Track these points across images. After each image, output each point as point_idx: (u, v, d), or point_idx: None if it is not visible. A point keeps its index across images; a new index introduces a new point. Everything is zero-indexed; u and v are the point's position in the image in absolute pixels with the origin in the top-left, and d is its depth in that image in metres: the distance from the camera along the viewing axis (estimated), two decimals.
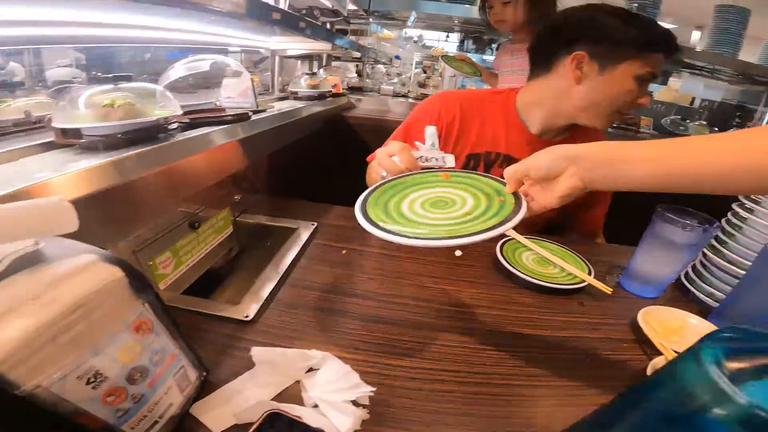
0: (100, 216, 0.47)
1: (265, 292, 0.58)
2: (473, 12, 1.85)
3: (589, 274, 0.67)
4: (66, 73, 0.99)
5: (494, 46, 2.37)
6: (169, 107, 0.60)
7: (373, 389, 0.42)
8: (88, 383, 0.27)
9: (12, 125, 0.58)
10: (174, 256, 0.62)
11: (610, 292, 0.64)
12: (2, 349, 0.22)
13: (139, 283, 0.31)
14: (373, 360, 0.48)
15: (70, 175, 0.44)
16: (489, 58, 2.38)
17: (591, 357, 0.52)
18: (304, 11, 1.38)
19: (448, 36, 3.15)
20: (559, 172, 0.44)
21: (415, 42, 3.11)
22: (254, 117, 0.86)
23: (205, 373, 0.42)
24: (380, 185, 0.54)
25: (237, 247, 0.83)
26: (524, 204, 0.45)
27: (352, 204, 0.51)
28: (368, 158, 0.78)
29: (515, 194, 0.47)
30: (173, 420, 0.36)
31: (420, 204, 0.50)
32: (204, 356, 0.41)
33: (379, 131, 1.47)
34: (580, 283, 0.65)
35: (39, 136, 0.56)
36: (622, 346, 0.55)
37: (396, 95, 1.96)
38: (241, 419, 0.38)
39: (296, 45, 1.36)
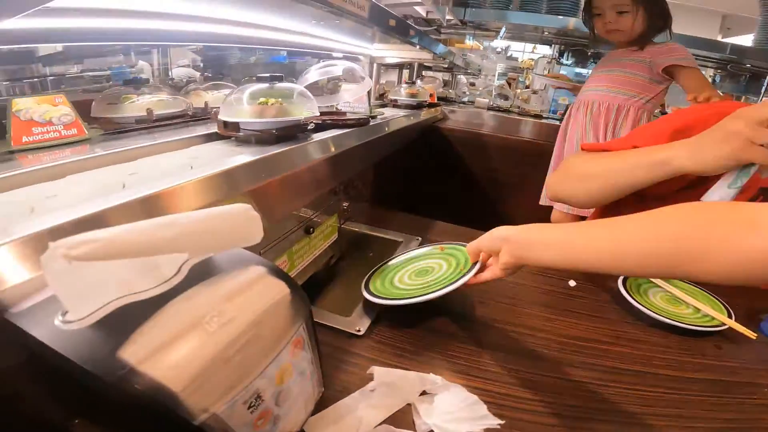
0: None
1: (376, 307, 0.57)
2: (571, 24, 1.75)
3: (729, 317, 0.61)
4: (184, 72, 1.07)
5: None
6: (310, 108, 0.63)
7: (502, 422, 0.40)
8: (249, 408, 0.26)
9: (134, 122, 0.61)
10: (289, 260, 0.63)
11: (755, 338, 0.58)
12: (185, 373, 0.21)
13: (300, 299, 0.30)
14: (488, 388, 0.45)
15: (233, 168, 0.46)
16: (582, 71, 2.24)
17: (732, 399, 0.48)
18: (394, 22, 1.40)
19: (535, 47, 3.03)
20: (498, 250, 0.50)
21: (499, 53, 3.02)
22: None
23: (322, 389, 0.41)
24: (387, 262, 0.67)
25: (338, 254, 0.84)
26: (472, 272, 0.53)
27: (451, 218, 0.61)
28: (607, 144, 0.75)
29: (475, 263, 0.54)
30: None
31: (408, 274, 0.62)
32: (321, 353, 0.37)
33: (477, 146, 1.39)
34: (718, 325, 0.59)
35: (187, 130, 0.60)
36: (763, 390, 0.50)
37: (491, 108, 1.85)
38: None
39: (395, 53, 1.36)
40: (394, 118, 1.07)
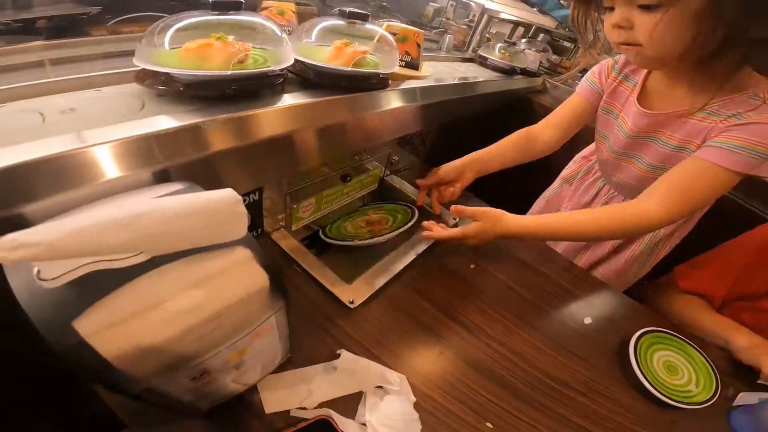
0: (277, 155, 0.50)
1: (379, 282, 0.58)
2: None
3: (714, 394, 0.57)
4: None
5: None
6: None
7: None
8: (192, 380, 0.27)
9: None
10: (316, 203, 0.65)
11: None
12: (130, 353, 0.22)
13: (278, 290, 0.29)
14: (446, 405, 0.47)
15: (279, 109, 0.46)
16: None
17: None
18: None
19: None
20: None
21: None
22: (425, 84, 0.79)
23: (289, 355, 0.42)
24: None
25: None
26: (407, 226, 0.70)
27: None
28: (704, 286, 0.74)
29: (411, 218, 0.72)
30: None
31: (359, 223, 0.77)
32: (294, 327, 0.38)
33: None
34: (688, 403, 0.56)
35: None
36: None
37: None
38: (295, 413, 0.39)
39: (512, 11, 1.19)
40: (453, 82, 0.93)
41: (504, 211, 0.65)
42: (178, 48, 0.43)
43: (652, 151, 0.69)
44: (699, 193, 0.60)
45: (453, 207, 0.66)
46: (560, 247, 0.92)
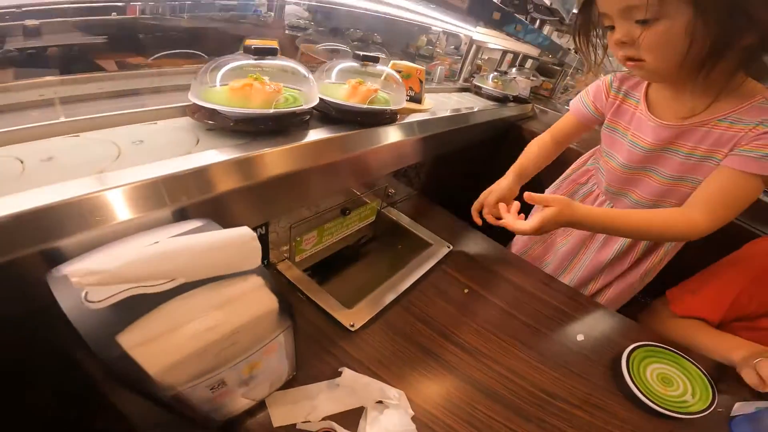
0: (284, 192, 0.54)
1: (378, 306, 0.61)
2: None
3: (711, 404, 0.58)
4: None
5: None
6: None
7: None
8: (211, 389, 0.31)
9: None
10: (318, 236, 0.69)
11: None
12: (163, 363, 0.26)
13: (286, 312, 0.33)
14: (443, 420, 0.48)
15: (277, 151, 0.50)
16: None
17: None
18: (516, 1, 1.29)
19: None
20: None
21: None
22: (427, 116, 0.84)
23: (294, 373, 0.46)
24: None
25: (370, 235, 0.88)
26: None
27: (503, 232, 0.68)
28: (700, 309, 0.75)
29: None
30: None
31: None
32: (299, 349, 0.43)
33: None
34: (685, 413, 0.56)
35: None
36: None
37: None
38: (301, 426, 0.43)
39: (499, 42, 1.26)
40: (456, 114, 0.99)
41: (569, 198, 0.67)
42: (225, 86, 0.50)
43: (672, 162, 0.71)
44: (736, 201, 0.63)
45: (526, 194, 0.67)
46: (569, 279, 0.92)
